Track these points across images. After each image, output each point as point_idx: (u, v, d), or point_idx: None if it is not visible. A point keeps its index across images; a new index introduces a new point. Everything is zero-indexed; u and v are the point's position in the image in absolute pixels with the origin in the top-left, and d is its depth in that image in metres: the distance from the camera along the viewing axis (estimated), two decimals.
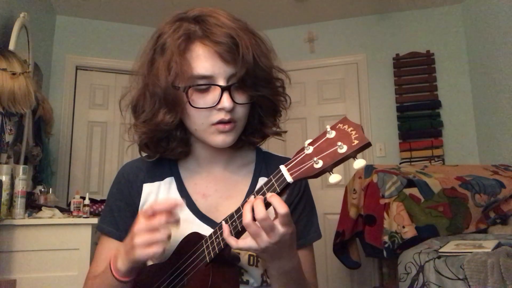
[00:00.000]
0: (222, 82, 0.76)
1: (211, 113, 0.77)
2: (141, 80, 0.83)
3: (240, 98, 0.78)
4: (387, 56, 3.49)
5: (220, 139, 0.79)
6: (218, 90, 0.76)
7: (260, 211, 0.61)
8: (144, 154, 0.91)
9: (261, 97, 0.81)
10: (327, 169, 0.60)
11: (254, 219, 0.62)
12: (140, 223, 0.69)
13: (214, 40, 0.75)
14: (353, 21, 3.65)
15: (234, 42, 0.75)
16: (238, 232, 0.67)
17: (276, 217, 0.63)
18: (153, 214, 0.69)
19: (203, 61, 0.76)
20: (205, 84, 0.76)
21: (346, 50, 3.63)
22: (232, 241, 0.66)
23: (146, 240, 0.67)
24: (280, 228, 0.62)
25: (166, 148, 0.84)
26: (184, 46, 0.76)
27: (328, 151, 0.60)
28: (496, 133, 2.93)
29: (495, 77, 2.93)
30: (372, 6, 3.47)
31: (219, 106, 0.76)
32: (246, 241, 0.65)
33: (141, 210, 0.74)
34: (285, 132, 0.90)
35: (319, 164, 0.60)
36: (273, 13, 3.50)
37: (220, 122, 0.77)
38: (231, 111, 0.77)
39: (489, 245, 1.70)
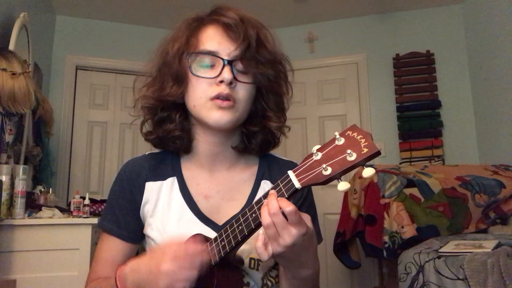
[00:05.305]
0: (225, 57, 0.79)
1: (211, 86, 0.79)
2: (155, 68, 0.87)
3: (243, 78, 0.81)
4: (387, 56, 3.49)
5: (217, 115, 0.79)
6: (221, 64, 0.79)
7: (273, 206, 0.61)
8: (146, 153, 0.92)
9: (262, 77, 0.82)
10: (335, 177, 0.60)
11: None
12: (171, 249, 0.65)
13: (222, 15, 0.81)
14: (353, 21, 3.64)
15: (241, 19, 0.80)
16: (245, 237, 0.66)
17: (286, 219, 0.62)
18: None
19: (210, 38, 0.80)
20: (208, 53, 0.80)
21: (346, 50, 3.63)
22: (266, 254, 0.64)
23: (183, 264, 0.63)
24: (292, 229, 0.61)
25: (164, 129, 0.85)
26: (195, 26, 0.83)
27: (337, 158, 0.60)
28: (496, 133, 2.93)
29: (495, 77, 2.92)
30: (372, 6, 3.47)
31: (219, 78, 0.78)
32: (269, 249, 0.64)
33: (170, 237, 0.70)
34: (289, 128, 0.90)
35: (328, 171, 0.60)
36: (273, 13, 3.50)
37: (219, 96, 0.78)
38: (231, 86, 0.79)
39: (489, 245, 1.69)
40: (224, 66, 0.78)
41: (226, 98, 0.78)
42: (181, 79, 0.82)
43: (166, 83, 0.83)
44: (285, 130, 0.89)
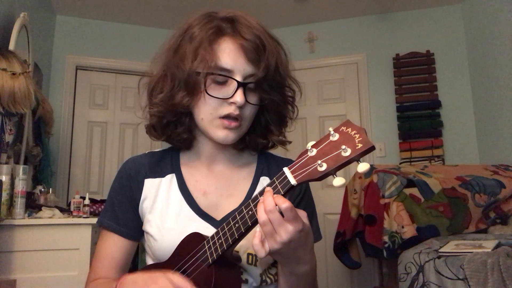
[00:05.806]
0: (239, 78, 0.78)
1: (222, 105, 0.79)
2: (163, 63, 0.85)
3: (253, 98, 0.81)
4: (387, 56, 3.49)
5: (223, 134, 0.81)
6: (234, 85, 0.78)
7: (269, 203, 0.61)
8: (147, 151, 0.93)
9: (271, 101, 0.83)
10: (331, 172, 0.60)
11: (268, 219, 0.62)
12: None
13: (243, 37, 0.79)
14: (353, 21, 3.64)
15: (262, 43, 0.79)
16: (242, 234, 0.67)
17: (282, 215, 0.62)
18: None
19: (228, 55, 0.79)
20: (223, 75, 0.78)
21: (346, 50, 3.63)
22: (263, 251, 0.64)
23: None
24: (288, 226, 0.62)
25: (172, 132, 0.86)
26: (213, 38, 0.80)
27: (332, 154, 0.60)
28: (496, 133, 2.93)
29: (495, 77, 2.92)
30: (372, 6, 3.47)
31: (232, 100, 0.78)
32: (266, 246, 0.64)
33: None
34: (290, 142, 0.92)
35: (323, 167, 0.60)
36: (273, 13, 3.50)
37: (228, 116, 0.79)
38: (240, 108, 0.79)
39: (489, 245, 1.69)
40: (237, 88, 0.78)
41: (234, 119, 0.80)
42: (194, 92, 0.81)
43: (176, 89, 0.82)
44: (286, 143, 0.91)
